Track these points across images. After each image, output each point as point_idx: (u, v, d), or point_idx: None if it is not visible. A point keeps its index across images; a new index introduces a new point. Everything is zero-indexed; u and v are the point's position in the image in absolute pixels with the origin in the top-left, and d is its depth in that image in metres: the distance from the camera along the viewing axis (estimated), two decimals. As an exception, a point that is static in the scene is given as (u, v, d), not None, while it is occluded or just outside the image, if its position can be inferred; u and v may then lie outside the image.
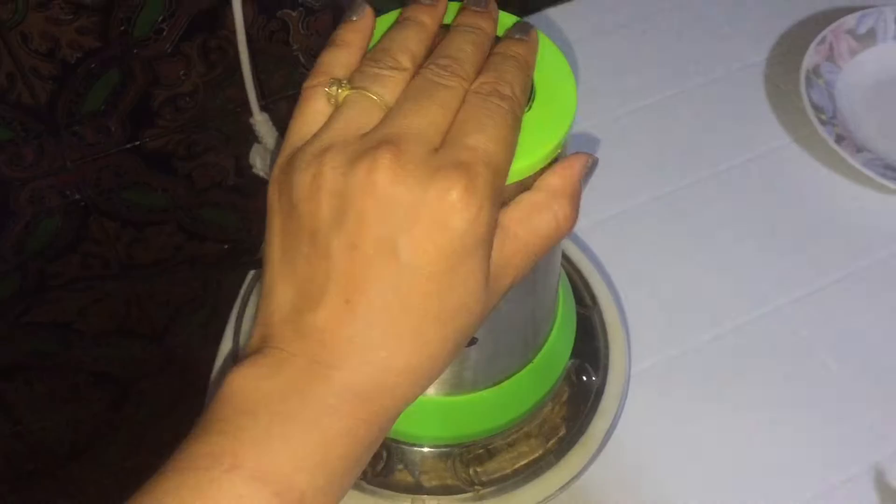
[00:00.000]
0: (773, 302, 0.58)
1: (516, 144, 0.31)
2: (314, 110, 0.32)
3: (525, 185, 0.32)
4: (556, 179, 0.32)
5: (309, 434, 0.28)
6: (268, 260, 0.31)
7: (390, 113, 0.30)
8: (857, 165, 0.61)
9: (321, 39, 0.74)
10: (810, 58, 0.67)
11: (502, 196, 0.30)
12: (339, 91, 0.31)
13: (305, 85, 0.32)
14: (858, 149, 0.63)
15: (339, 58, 0.33)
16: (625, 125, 0.67)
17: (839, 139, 0.63)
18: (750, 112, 0.68)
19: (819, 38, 0.68)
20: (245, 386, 0.29)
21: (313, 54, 0.74)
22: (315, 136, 0.31)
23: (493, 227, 0.30)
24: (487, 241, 0.30)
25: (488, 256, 0.30)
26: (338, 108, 0.31)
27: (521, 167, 0.31)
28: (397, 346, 0.29)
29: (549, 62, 0.34)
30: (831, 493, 0.50)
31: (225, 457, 0.27)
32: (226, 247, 0.87)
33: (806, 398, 0.54)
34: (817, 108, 0.65)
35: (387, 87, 0.31)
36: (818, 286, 0.59)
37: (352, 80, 0.32)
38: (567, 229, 0.32)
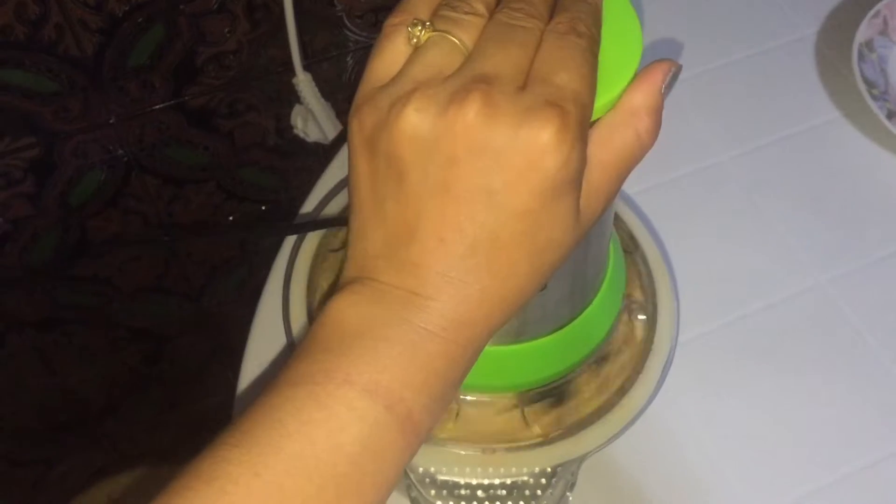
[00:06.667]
0: (816, 277, 0.57)
1: (596, 82, 0.31)
2: (394, 50, 0.32)
3: None
4: (635, 96, 0.32)
5: (413, 356, 0.29)
6: (355, 201, 0.32)
7: (472, 56, 0.30)
8: (908, 142, 0.60)
9: (366, 2, 0.74)
10: (863, 31, 0.66)
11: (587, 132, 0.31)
12: (422, 32, 0.31)
13: (388, 22, 0.32)
14: (910, 125, 0.62)
15: None
16: (673, 93, 0.66)
17: (890, 115, 0.62)
18: (800, 85, 0.67)
19: (873, 11, 0.67)
20: (348, 312, 0.30)
21: (357, 15, 0.74)
22: (397, 76, 0.31)
23: (583, 164, 0.30)
24: (578, 179, 0.30)
25: (579, 192, 0.30)
26: (418, 49, 0.31)
27: (594, 107, 0.31)
28: (490, 280, 0.30)
29: (610, 2, 0.34)
30: (869, 470, 0.50)
31: (337, 373, 0.29)
32: (263, 208, 0.88)
33: (845, 375, 0.53)
34: (869, 83, 0.63)
35: (466, 32, 0.31)
36: (863, 263, 0.58)
37: (433, 22, 0.32)
38: (650, 144, 0.32)
